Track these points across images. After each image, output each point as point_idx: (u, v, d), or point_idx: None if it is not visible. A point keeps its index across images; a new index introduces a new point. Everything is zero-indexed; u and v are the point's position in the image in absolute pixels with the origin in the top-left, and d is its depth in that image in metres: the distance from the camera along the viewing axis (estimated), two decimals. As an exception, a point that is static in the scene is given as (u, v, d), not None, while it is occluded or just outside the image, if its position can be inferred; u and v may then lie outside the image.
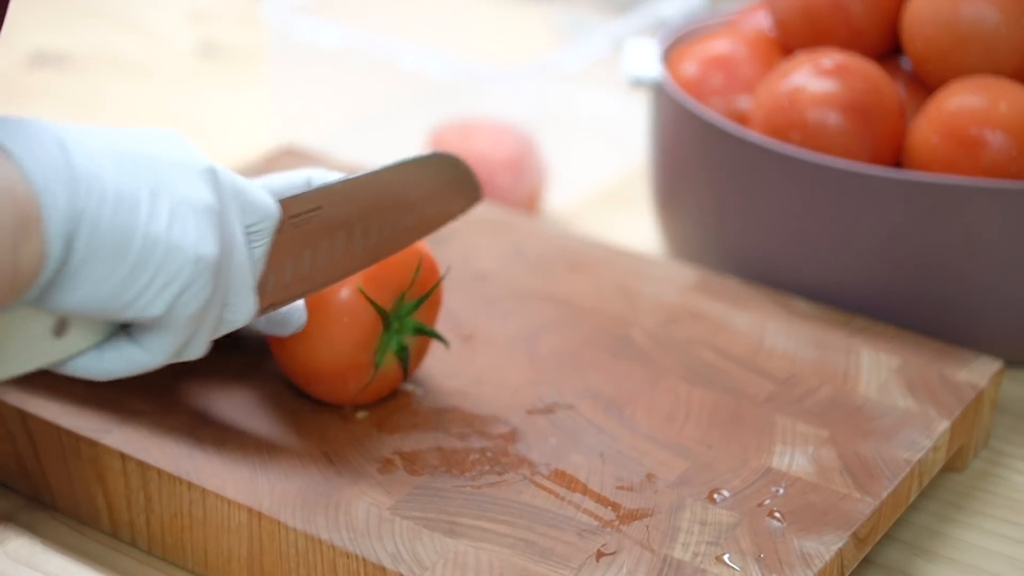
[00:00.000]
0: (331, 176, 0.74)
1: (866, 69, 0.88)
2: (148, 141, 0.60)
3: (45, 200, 0.55)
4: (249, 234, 0.64)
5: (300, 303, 0.71)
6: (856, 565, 0.69)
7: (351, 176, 0.70)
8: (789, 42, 0.95)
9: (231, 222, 0.62)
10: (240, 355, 0.78)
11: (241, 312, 0.64)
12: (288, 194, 0.72)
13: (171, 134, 0.62)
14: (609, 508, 0.68)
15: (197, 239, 0.59)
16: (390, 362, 0.74)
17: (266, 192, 0.66)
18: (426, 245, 0.75)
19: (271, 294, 0.67)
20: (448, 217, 0.75)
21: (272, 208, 0.65)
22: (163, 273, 0.58)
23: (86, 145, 0.57)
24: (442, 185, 0.74)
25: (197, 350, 0.63)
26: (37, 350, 0.59)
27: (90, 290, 0.57)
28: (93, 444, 0.71)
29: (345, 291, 0.71)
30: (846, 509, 0.69)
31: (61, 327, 0.59)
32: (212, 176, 0.61)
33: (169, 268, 0.58)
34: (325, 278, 0.70)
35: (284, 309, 0.70)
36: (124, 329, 0.62)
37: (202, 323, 0.61)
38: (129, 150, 0.59)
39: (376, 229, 0.71)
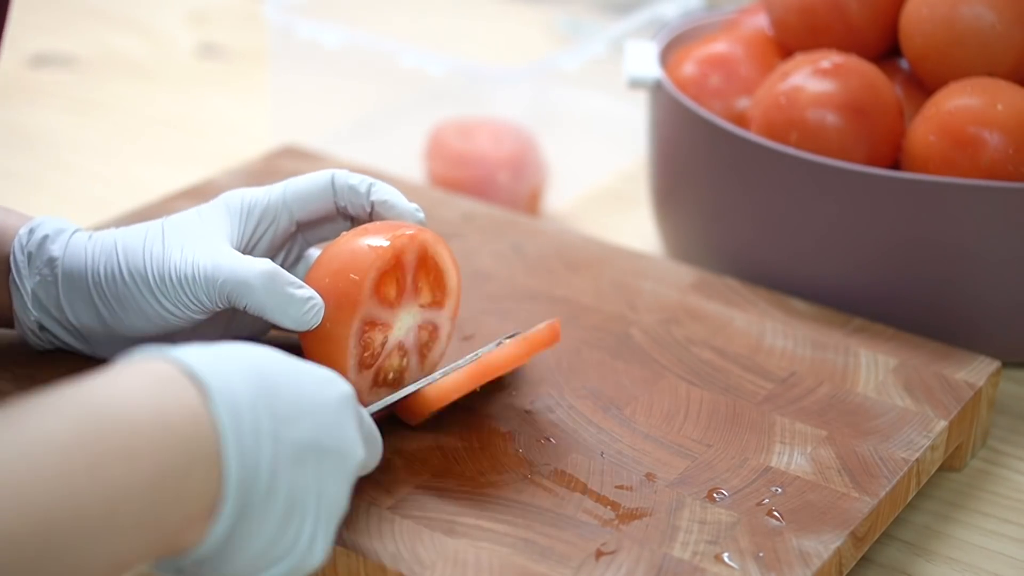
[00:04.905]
0: (354, 176, 0.75)
1: (864, 69, 0.88)
2: (322, 412, 0.59)
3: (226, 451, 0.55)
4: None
5: (318, 300, 0.71)
6: (854, 564, 0.70)
7: None
8: (787, 43, 0.96)
9: None
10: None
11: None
12: (312, 196, 0.74)
13: (344, 399, 0.61)
14: (609, 507, 0.69)
15: (324, 551, 0.59)
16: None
17: (375, 431, 0.66)
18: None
19: None
20: None
21: (380, 449, 0.67)
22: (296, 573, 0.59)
23: (278, 440, 0.57)
24: None
25: None
26: None
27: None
28: (95, 444, 0.71)
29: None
30: (844, 508, 0.69)
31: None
32: (356, 471, 0.62)
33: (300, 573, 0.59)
34: None
35: (302, 307, 0.71)
36: None
37: None
38: (304, 437, 0.58)
39: None
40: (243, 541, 0.56)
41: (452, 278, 0.76)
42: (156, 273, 0.71)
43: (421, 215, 0.75)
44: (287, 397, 0.58)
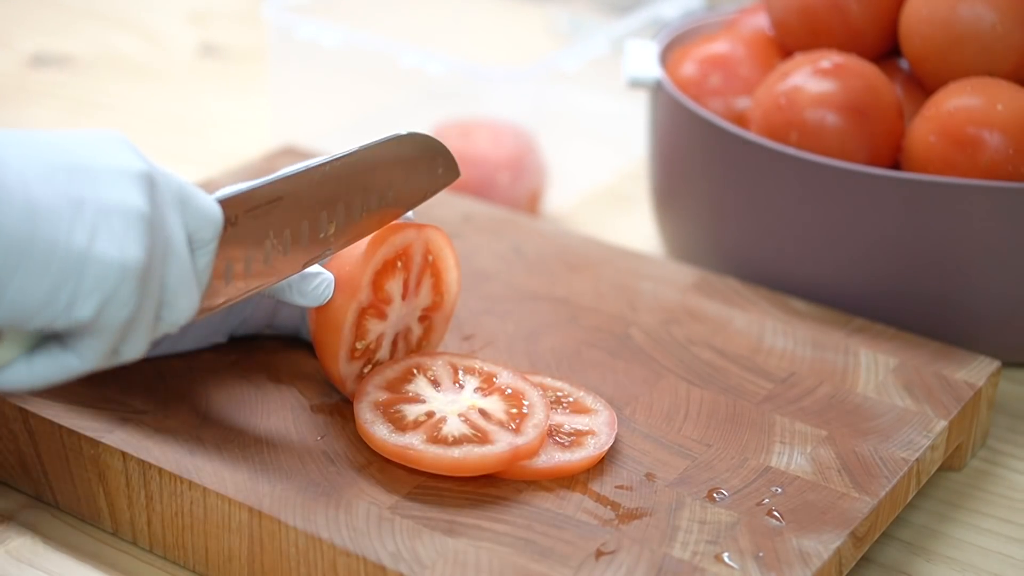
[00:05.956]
0: None
1: (864, 70, 0.88)
2: (81, 145, 0.60)
3: None
4: (193, 239, 0.64)
5: (328, 276, 0.72)
6: (854, 564, 0.70)
7: (317, 161, 0.70)
8: (787, 43, 0.96)
9: (168, 226, 0.62)
10: (240, 354, 0.78)
11: (182, 312, 0.63)
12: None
13: (110, 137, 0.61)
14: (608, 507, 0.69)
15: (122, 247, 0.59)
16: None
17: (211, 198, 0.65)
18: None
19: (228, 288, 0.68)
20: (425, 194, 0.75)
21: (216, 215, 0.65)
22: (86, 282, 0.58)
23: (5, 156, 0.57)
24: (416, 163, 0.74)
25: (134, 351, 0.63)
26: None
27: (14, 301, 0.57)
28: (94, 443, 0.71)
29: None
30: (844, 508, 0.69)
31: None
32: (146, 181, 0.61)
33: (92, 278, 0.58)
34: (291, 265, 0.70)
35: (312, 282, 0.71)
36: (55, 336, 0.61)
37: (135, 326, 0.61)
38: (55, 159, 0.59)
39: (344, 212, 0.71)
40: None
41: (452, 279, 0.76)
42: None
43: (409, 213, 0.76)
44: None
